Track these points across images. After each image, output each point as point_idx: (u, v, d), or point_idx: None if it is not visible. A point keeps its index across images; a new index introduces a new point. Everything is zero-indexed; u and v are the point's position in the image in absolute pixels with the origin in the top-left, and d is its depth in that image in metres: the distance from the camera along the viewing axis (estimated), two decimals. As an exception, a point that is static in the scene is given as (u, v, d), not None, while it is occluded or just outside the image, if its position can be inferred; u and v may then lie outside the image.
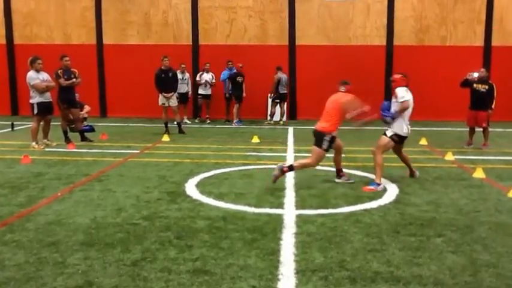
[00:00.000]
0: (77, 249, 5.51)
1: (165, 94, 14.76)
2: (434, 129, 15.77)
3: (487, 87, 12.36)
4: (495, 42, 18.89)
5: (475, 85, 12.39)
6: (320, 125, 8.45)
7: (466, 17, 18.90)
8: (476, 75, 12.36)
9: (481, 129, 12.72)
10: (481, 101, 12.38)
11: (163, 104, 14.88)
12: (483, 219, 6.68)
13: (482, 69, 12.82)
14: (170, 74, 15.00)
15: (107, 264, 5.09)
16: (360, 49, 19.00)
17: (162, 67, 14.98)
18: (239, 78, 17.75)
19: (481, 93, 12.40)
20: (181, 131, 15.08)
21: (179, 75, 17.41)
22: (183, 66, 18.02)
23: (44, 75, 12.23)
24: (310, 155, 8.58)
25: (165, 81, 14.82)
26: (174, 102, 14.99)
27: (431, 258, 5.29)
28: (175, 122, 15.34)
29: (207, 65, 18.31)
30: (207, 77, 18.27)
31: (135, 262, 5.14)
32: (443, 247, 5.61)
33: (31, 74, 12.03)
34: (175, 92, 15.13)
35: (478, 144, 12.79)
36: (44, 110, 12.20)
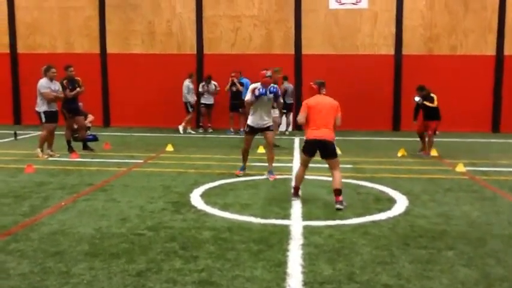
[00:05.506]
0: (82, 259, 5.45)
1: None
2: (445, 140, 15.64)
3: (433, 102, 12.83)
4: (508, 51, 18.68)
5: (426, 103, 12.85)
6: (329, 135, 7.92)
7: (477, 26, 18.73)
8: (417, 98, 12.92)
9: (427, 137, 13.02)
10: (432, 114, 12.90)
11: None
12: (496, 232, 6.57)
13: (419, 91, 13.04)
14: None
15: (112, 274, 5.04)
16: (368, 58, 18.87)
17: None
18: (233, 87, 17.92)
19: (430, 110, 12.89)
20: None
21: (190, 85, 18.11)
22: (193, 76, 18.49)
23: (56, 85, 12.18)
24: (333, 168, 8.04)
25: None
26: None
27: (443, 271, 5.19)
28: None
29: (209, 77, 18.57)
30: (207, 86, 18.43)
31: (140, 273, 5.09)
32: (454, 260, 5.50)
33: (43, 82, 11.98)
34: None
35: (491, 157, 12.73)
36: (51, 118, 12.13)
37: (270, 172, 10.01)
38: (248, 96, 9.84)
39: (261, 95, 9.68)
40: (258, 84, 9.82)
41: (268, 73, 9.81)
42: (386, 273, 5.11)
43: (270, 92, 9.76)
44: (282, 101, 10.40)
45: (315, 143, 7.94)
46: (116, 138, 16.25)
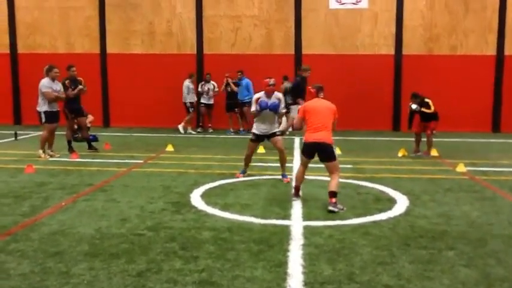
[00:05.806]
0: (82, 259, 5.45)
1: None
2: (445, 140, 15.62)
3: (431, 108, 12.81)
4: (508, 51, 18.62)
5: (423, 110, 12.81)
6: (327, 137, 7.97)
7: (477, 26, 18.67)
8: (414, 106, 12.82)
9: (426, 137, 13.05)
10: (430, 115, 12.92)
11: None
12: (496, 232, 6.57)
13: (414, 99, 12.98)
14: None
15: (112, 274, 5.05)
16: (368, 58, 18.83)
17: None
18: (228, 88, 18.07)
19: (428, 113, 12.87)
20: None
21: (191, 86, 18.08)
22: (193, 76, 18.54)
23: (58, 86, 12.16)
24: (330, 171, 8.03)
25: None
26: None
27: (443, 271, 5.19)
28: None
29: (208, 75, 18.59)
30: (207, 86, 18.45)
31: (140, 273, 5.09)
32: (455, 260, 5.50)
33: (45, 81, 11.96)
34: None
35: (491, 157, 12.74)
36: (51, 118, 12.12)
37: (284, 176, 9.89)
38: (253, 108, 9.75)
39: (262, 109, 9.52)
40: (261, 94, 9.70)
41: (272, 81, 9.65)
42: (387, 274, 5.10)
43: (270, 109, 9.54)
44: (283, 111, 10.24)
45: (314, 145, 7.94)
46: (115, 138, 16.23)
